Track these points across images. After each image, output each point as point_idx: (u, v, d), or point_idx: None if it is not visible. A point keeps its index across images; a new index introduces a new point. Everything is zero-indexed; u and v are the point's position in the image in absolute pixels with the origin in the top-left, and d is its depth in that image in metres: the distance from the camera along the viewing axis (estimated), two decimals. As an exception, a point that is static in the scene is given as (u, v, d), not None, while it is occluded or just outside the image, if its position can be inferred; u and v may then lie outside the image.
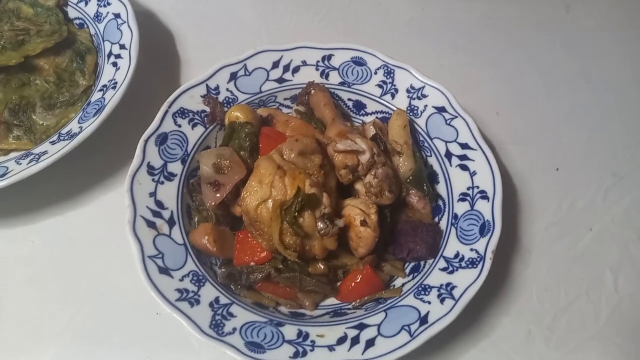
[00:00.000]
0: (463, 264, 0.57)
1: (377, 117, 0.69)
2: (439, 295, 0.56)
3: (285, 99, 0.70)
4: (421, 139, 0.66)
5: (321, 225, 0.54)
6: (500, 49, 0.83)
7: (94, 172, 0.68)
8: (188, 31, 0.82)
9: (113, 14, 0.73)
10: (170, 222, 0.59)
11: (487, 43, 0.84)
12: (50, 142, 0.63)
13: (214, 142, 0.66)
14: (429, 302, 0.55)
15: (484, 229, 0.59)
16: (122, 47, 0.70)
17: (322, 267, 0.58)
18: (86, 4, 0.75)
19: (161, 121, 0.63)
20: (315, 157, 0.59)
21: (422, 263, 0.61)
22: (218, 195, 0.58)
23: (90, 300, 0.61)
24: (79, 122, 0.64)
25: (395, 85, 0.69)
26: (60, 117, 0.68)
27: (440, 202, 0.64)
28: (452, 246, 0.59)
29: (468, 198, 0.62)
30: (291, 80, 0.70)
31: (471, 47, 0.84)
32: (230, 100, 0.68)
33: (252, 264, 0.58)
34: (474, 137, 0.64)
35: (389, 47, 0.71)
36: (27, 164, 0.60)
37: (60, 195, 0.66)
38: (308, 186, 0.55)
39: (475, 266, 0.57)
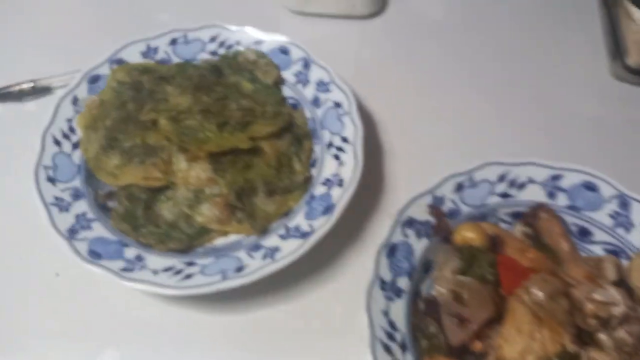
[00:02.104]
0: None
1: (605, 249, 0.65)
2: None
3: (505, 215, 0.68)
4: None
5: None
6: None
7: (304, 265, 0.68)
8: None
9: (333, 102, 0.73)
10: (402, 347, 0.57)
11: None
12: (279, 236, 0.63)
13: (433, 254, 0.65)
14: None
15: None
16: (345, 140, 0.70)
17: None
18: (304, 86, 0.76)
19: (392, 231, 0.62)
20: (563, 301, 0.56)
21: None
22: (464, 333, 0.55)
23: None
24: (306, 218, 0.64)
25: (630, 219, 0.65)
26: (280, 204, 0.68)
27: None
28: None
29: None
30: (515, 196, 0.67)
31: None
32: (454, 211, 0.66)
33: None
34: None
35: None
36: (262, 259, 0.61)
37: (269, 288, 0.66)
38: (568, 342, 0.52)
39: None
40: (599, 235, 0.66)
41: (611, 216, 0.66)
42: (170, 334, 0.63)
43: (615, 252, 0.65)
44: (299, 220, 0.64)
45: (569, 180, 0.67)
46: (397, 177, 0.76)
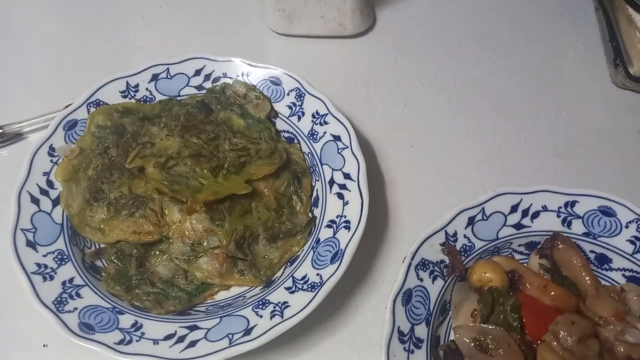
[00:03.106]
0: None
1: (625, 275, 0.63)
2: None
3: (519, 246, 0.65)
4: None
5: None
6: None
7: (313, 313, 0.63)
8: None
9: (332, 135, 0.69)
10: (426, 402, 0.54)
11: None
12: (286, 289, 0.59)
13: (449, 295, 0.61)
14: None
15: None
16: (347, 176, 0.66)
17: None
18: (299, 119, 0.71)
19: (405, 276, 0.58)
20: (593, 344, 0.53)
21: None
22: (492, 385, 0.52)
23: None
24: (313, 267, 0.60)
25: (651, 244, 0.62)
26: (283, 250, 0.64)
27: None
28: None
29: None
30: (530, 226, 0.64)
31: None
32: (468, 247, 0.63)
33: None
34: None
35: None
36: (270, 317, 0.56)
37: (279, 341, 0.61)
38: (603, 392, 0.49)
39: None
40: (618, 261, 0.63)
41: (631, 242, 0.63)
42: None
43: (636, 279, 0.62)
44: (305, 269, 0.60)
45: (584, 206, 0.64)
46: (401, 207, 0.72)
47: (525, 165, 0.77)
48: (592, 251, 0.64)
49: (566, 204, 0.65)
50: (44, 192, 0.63)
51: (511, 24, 0.94)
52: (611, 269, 0.64)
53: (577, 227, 0.64)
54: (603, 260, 0.64)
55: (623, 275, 0.63)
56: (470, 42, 0.91)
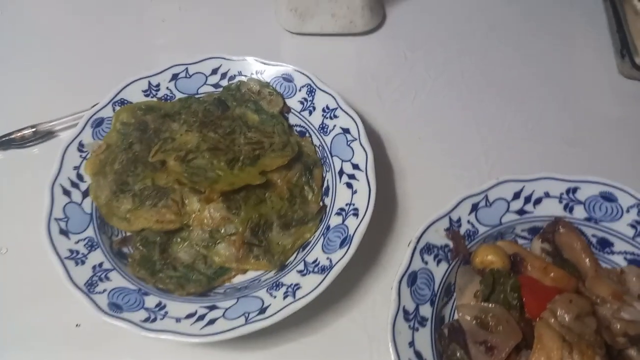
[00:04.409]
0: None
1: (626, 259, 0.65)
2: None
3: (522, 231, 0.67)
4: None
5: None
6: None
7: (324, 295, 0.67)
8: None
9: (341, 128, 0.72)
10: (431, 377, 0.57)
11: None
12: (298, 272, 0.63)
13: (453, 277, 0.64)
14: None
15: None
16: (356, 167, 0.69)
17: None
18: (310, 113, 0.75)
19: (410, 259, 0.62)
20: (591, 321, 0.55)
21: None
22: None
23: None
24: (323, 251, 0.64)
25: (651, 228, 0.64)
26: (296, 237, 0.68)
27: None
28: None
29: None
30: (532, 212, 0.67)
31: None
32: (472, 233, 0.65)
33: None
34: None
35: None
36: (283, 298, 0.60)
37: (291, 321, 0.65)
38: (599, 366, 0.51)
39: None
40: (619, 245, 0.65)
41: (632, 226, 0.65)
42: (197, 377, 0.62)
43: (637, 262, 0.64)
44: (316, 253, 0.64)
45: (586, 192, 0.66)
46: (409, 197, 0.76)
47: (533, 153, 0.79)
48: (593, 235, 0.66)
49: (568, 190, 0.67)
50: (74, 185, 0.68)
51: (520, 14, 0.96)
52: (613, 253, 0.66)
53: (579, 212, 0.66)
54: (604, 244, 0.66)
55: (624, 258, 0.65)
56: (479, 34, 0.93)
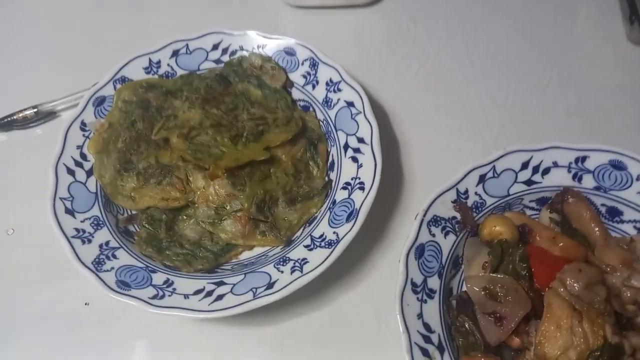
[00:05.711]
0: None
1: (636, 227, 0.64)
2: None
3: (531, 202, 0.67)
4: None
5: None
6: None
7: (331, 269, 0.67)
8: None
9: (345, 101, 0.71)
10: (440, 348, 0.57)
11: None
12: (305, 246, 0.63)
13: (461, 249, 0.64)
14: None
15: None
16: (361, 140, 0.68)
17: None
18: (313, 87, 0.74)
19: (418, 232, 0.61)
20: (600, 290, 0.55)
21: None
22: (502, 331, 0.55)
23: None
24: (330, 226, 0.63)
25: (662, 196, 0.63)
26: (302, 212, 0.67)
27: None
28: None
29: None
30: (540, 182, 0.66)
31: None
32: (479, 204, 0.65)
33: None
34: None
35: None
36: (291, 273, 0.60)
37: (300, 296, 0.65)
38: (610, 333, 0.51)
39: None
40: (629, 214, 0.65)
41: (641, 194, 0.64)
42: (206, 351, 0.63)
43: (646, 230, 0.64)
44: (323, 228, 0.63)
45: (595, 160, 0.65)
46: (415, 169, 0.75)
47: (536, 125, 0.78)
48: (603, 204, 0.66)
49: (577, 160, 0.66)
50: (78, 164, 0.67)
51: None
52: (622, 221, 0.65)
53: (588, 181, 0.65)
54: (614, 213, 0.66)
55: (634, 227, 0.65)
56: (482, 6, 0.91)
